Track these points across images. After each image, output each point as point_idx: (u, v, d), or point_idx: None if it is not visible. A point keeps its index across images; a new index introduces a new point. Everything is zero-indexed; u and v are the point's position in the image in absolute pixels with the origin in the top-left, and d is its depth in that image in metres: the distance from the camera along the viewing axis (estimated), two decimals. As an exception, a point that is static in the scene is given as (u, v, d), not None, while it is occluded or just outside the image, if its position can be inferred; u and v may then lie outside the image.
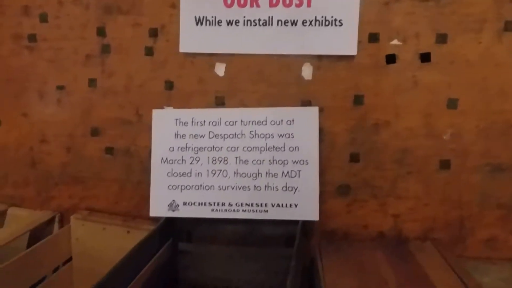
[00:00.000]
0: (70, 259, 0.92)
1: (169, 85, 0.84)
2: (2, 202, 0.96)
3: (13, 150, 0.93)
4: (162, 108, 0.85)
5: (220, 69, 0.82)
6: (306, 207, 0.78)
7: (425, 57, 0.75)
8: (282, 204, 0.79)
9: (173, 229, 0.84)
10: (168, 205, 0.82)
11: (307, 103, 0.81)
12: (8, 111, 0.92)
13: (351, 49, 0.76)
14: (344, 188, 0.82)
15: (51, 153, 0.92)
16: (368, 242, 0.79)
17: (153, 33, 0.83)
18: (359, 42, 0.76)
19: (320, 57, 0.79)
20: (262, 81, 0.81)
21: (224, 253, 0.85)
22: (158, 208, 0.83)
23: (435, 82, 0.76)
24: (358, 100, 0.78)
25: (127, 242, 0.87)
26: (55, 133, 0.91)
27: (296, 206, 0.79)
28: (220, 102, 0.83)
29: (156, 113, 0.84)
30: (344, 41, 0.76)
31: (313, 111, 0.79)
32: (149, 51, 0.83)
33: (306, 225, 0.80)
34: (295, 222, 0.79)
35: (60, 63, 0.88)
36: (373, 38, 0.76)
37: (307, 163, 0.79)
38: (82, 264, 0.91)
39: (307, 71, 0.79)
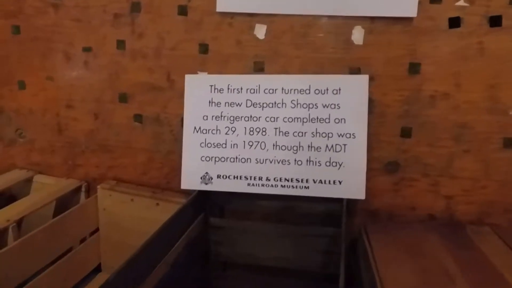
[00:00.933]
0: (97, 229, 0.89)
1: (204, 48, 0.77)
2: (29, 169, 0.92)
3: (39, 115, 0.89)
4: (195, 73, 0.79)
5: (260, 31, 0.75)
6: (351, 185, 0.72)
7: (495, 21, 0.66)
8: (325, 181, 0.73)
9: (205, 203, 0.80)
10: (201, 178, 0.77)
11: (356, 70, 0.73)
12: (33, 74, 0.87)
13: (410, 10, 0.67)
14: (392, 165, 0.75)
15: (77, 119, 0.87)
16: (417, 224, 0.73)
17: (188, -10, 0.76)
18: (419, 2, 0.67)
19: (373, 19, 0.70)
20: (306, 45, 0.74)
21: (257, 230, 0.80)
22: (190, 180, 0.78)
23: (505, 50, 0.67)
24: (413, 68, 0.70)
25: (156, 215, 0.83)
26: (81, 98, 0.86)
27: (340, 183, 0.73)
28: (259, 68, 0.76)
29: (189, 79, 0.78)
30: (402, 1, 0.67)
31: (363, 79, 0.72)
32: (183, 10, 0.76)
33: (348, 204, 0.74)
34: (336, 200, 0.74)
35: (87, 23, 0.82)
36: (436, -3, 0.67)
37: (354, 137, 0.72)
38: (109, 235, 0.88)
39: (357, 35, 0.71)
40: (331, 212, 0.77)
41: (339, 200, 0.74)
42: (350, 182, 0.72)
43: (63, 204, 0.87)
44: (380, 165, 0.75)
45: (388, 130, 0.74)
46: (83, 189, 0.90)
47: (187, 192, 0.79)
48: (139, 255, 0.57)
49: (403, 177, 0.75)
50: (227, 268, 0.85)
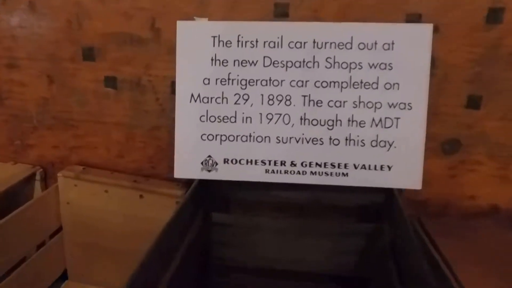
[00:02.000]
0: (59, 229, 0.68)
1: (204, -16, 0.56)
2: (-42, 151, 0.69)
3: (-33, 77, 0.65)
4: (191, 19, 0.57)
5: (284, -41, 0.54)
6: (405, 171, 0.55)
7: None
8: (369, 166, 0.55)
9: (205, 194, 0.61)
10: (202, 163, 0.57)
11: (415, 17, 0.54)
12: (-45, 19, 0.62)
13: None
14: (452, 144, 0.58)
15: (25, 83, 0.64)
16: (483, 218, 0.58)
17: None
18: None
19: None
20: (348, -20, 0.54)
21: (273, 227, 0.62)
22: (187, 166, 0.57)
23: None
24: (494, 15, 0.52)
25: (139, 210, 0.63)
26: (28, 55, 0.63)
27: (389, 168, 0.55)
28: (282, 12, 0.56)
29: (182, 27, 0.56)
30: None
31: (424, 30, 0.53)
32: None
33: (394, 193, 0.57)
34: (376, 188, 0.57)
35: None
36: None
37: (410, 108, 0.54)
38: (75, 235, 0.68)
39: (421, -33, 0.52)
40: (368, 204, 0.60)
41: (379, 189, 0.57)
42: (403, 168, 0.55)
43: (11, 198, 0.65)
44: (435, 144, 0.58)
45: (450, 99, 0.57)
46: (37, 177, 0.68)
47: (176, 180, 0.60)
48: (140, 272, 0.39)
49: (464, 159, 0.59)
50: (233, 273, 0.67)
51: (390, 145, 0.55)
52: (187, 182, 0.61)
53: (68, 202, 0.66)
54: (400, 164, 0.55)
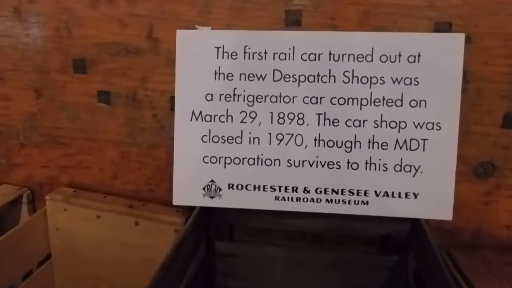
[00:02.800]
0: (47, 257, 0.62)
1: (206, -12, 0.50)
2: None
3: None
4: (193, 28, 0.52)
5: (297, -39, 0.48)
6: (432, 199, 0.49)
7: None
8: (393, 193, 0.49)
9: (208, 221, 0.55)
10: (204, 189, 0.51)
11: (444, 27, 0.48)
12: None
13: None
14: (486, 167, 0.52)
15: (10, 97, 0.59)
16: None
17: None
18: None
19: None
20: (369, -15, 0.48)
21: (283, 257, 0.56)
22: (187, 192, 0.52)
23: None
24: (535, 22, 0.46)
25: (135, 238, 0.57)
26: (14, 66, 0.57)
27: (415, 196, 0.49)
28: (293, 20, 0.50)
29: (183, 36, 0.50)
30: None
31: (455, 40, 0.47)
32: None
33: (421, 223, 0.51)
34: (402, 218, 0.50)
35: None
36: None
37: (439, 128, 0.48)
38: (65, 264, 0.63)
39: (452, -31, 0.46)
40: (390, 234, 0.54)
41: (404, 218, 0.51)
42: (431, 196, 0.49)
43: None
44: (467, 167, 0.52)
45: (484, 117, 0.50)
46: (24, 199, 0.62)
47: (176, 205, 0.54)
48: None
49: (499, 184, 0.52)
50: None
51: (416, 170, 0.49)
52: (188, 208, 0.55)
53: (57, 228, 0.60)
54: (427, 192, 0.49)
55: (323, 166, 0.50)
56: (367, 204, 0.50)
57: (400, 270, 0.53)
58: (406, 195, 0.49)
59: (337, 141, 0.49)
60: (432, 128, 0.48)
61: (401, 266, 0.53)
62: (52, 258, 0.62)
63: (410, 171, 0.49)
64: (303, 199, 0.51)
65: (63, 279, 0.63)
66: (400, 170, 0.49)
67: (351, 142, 0.49)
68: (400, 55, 0.48)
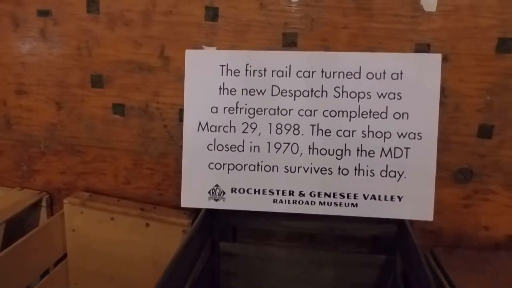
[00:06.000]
0: (63, 257, 0.67)
1: (212, 13, 0.56)
2: (-35, 176, 0.69)
3: (-24, 104, 0.65)
4: (200, 48, 0.57)
5: (293, -10, 0.54)
6: (415, 201, 0.54)
7: None
8: (379, 196, 0.54)
9: (212, 224, 0.60)
10: (209, 192, 0.57)
11: (424, 47, 0.54)
12: (-33, 46, 0.63)
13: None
14: (464, 174, 0.57)
15: (33, 109, 0.64)
16: (499, 251, 0.56)
17: None
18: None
19: (452, -24, 0.51)
20: (357, 11, 0.54)
21: (282, 257, 0.61)
22: (194, 196, 0.57)
23: None
24: (504, 45, 0.52)
25: (145, 238, 0.62)
26: (38, 81, 0.63)
27: (400, 199, 0.54)
28: (290, 42, 0.56)
29: (191, 56, 0.56)
30: None
31: (433, 60, 0.52)
32: (183, -42, 0.54)
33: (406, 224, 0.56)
34: (389, 219, 0.56)
35: (43, -25, 0.58)
36: None
37: (420, 138, 0.53)
38: (80, 263, 0.67)
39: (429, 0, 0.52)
40: (379, 235, 0.59)
41: (391, 220, 0.56)
42: (414, 199, 0.54)
43: (17, 224, 0.65)
44: (447, 173, 0.57)
45: (462, 128, 0.56)
46: (43, 203, 0.68)
47: (184, 208, 0.59)
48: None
49: (477, 188, 0.57)
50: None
51: (400, 175, 0.54)
52: (194, 211, 0.61)
53: (74, 229, 0.65)
54: (410, 195, 0.54)
55: (316, 172, 0.55)
56: (356, 206, 0.55)
57: (388, 269, 0.58)
58: (391, 198, 0.54)
59: (329, 149, 0.55)
60: (414, 138, 0.54)
61: (389, 264, 0.58)
62: (67, 258, 0.67)
63: (394, 176, 0.54)
64: (299, 202, 0.56)
65: (77, 277, 0.68)
66: (386, 176, 0.54)
67: (342, 150, 0.55)
68: (384, 73, 0.53)
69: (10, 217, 0.62)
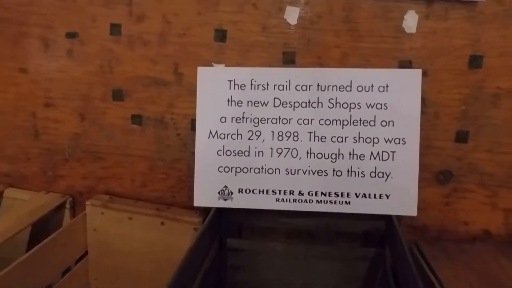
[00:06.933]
0: (84, 254, 0.74)
1: (221, 35, 0.64)
2: (-4, 181, 0.76)
3: (9, 115, 0.72)
4: (210, 65, 0.65)
5: (291, 15, 0.62)
6: (401, 199, 0.61)
7: None
8: (369, 194, 0.61)
9: (221, 221, 0.66)
10: (219, 193, 0.64)
11: (406, 64, 0.62)
12: (2, 65, 0.70)
13: (480, -9, 0.56)
14: (445, 175, 0.64)
15: (59, 120, 0.71)
16: (476, 243, 0.63)
17: (202, -38, 0.61)
18: (485, -18, 0.57)
19: (429, 3, 0.59)
20: (348, 32, 0.61)
21: (283, 252, 0.68)
22: (205, 196, 0.64)
23: None
24: (475, 61, 0.60)
25: (160, 236, 0.69)
26: (65, 95, 0.70)
27: (387, 197, 0.61)
28: (289, 60, 0.64)
29: (202, 72, 0.64)
30: (469, -20, 0.56)
31: (415, 75, 0.60)
32: (196, -12, 0.62)
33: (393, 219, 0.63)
34: (377, 215, 0.63)
35: (71, 2, 0.66)
36: (507, -23, 0.57)
37: (404, 143, 0.61)
38: (100, 260, 0.73)
39: (410, 21, 0.60)
40: (371, 231, 0.66)
41: (381, 216, 0.63)
42: (400, 196, 0.61)
43: (42, 224, 0.71)
44: (430, 175, 0.65)
45: (441, 134, 0.63)
46: (67, 205, 0.74)
47: (195, 208, 0.66)
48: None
49: (456, 188, 0.65)
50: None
51: (387, 176, 0.61)
52: (204, 210, 0.67)
53: (95, 228, 0.71)
54: (396, 193, 0.61)
55: (314, 173, 0.62)
56: (349, 203, 0.62)
57: (379, 261, 0.64)
58: (380, 196, 0.61)
59: (324, 154, 0.62)
60: (399, 143, 0.61)
61: (379, 257, 0.64)
62: (88, 255, 0.73)
63: (382, 177, 0.61)
64: (298, 200, 0.63)
65: (97, 273, 0.74)
66: (375, 176, 0.61)
67: (336, 154, 0.62)
68: (372, 86, 0.61)
69: (39, 218, 0.68)
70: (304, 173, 0.62)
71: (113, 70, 0.68)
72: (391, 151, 0.61)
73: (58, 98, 0.71)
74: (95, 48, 0.67)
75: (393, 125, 0.61)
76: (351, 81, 0.61)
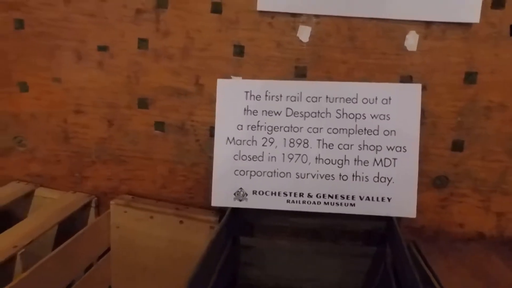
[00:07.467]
0: (106, 251, 0.79)
1: (239, 50, 0.70)
2: (28, 181, 0.82)
3: (42, 121, 0.78)
4: (228, 77, 0.71)
5: (304, 33, 0.68)
6: (401, 202, 0.67)
7: (557, 29, 0.63)
8: (372, 197, 0.67)
9: (235, 221, 0.72)
10: (234, 194, 0.70)
11: (407, 79, 0.68)
12: (37, 75, 0.77)
13: (474, 16, 0.63)
14: (441, 180, 0.70)
15: (88, 126, 0.77)
16: (470, 243, 0.69)
17: (224, -16, 0.68)
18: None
19: (428, 24, 0.65)
20: (354, 49, 0.68)
21: (291, 249, 0.73)
22: (222, 196, 0.70)
23: None
24: (470, 77, 0.66)
25: (179, 234, 0.75)
26: (94, 103, 0.76)
27: (389, 200, 0.67)
28: (301, 73, 0.70)
29: (221, 84, 0.70)
30: (464, 5, 0.63)
31: (415, 89, 0.66)
32: (217, 8, 0.69)
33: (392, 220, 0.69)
34: (378, 216, 0.68)
35: (103, 18, 0.72)
36: (498, 3, 0.63)
37: (405, 150, 0.66)
38: (122, 255, 0.79)
39: (411, 41, 0.66)
40: (373, 230, 0.71)
41: (382, 217, 0.68)
42: (400, 199, 0.67)
43: (69, 221, 0.77)
44: (428, 180, 0.70)
45: (438, 143, 0.69)
46: (93, 204, 0.80)
47: (211, 208, 0.72)
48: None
49: (452, 192, 0.70)
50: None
51: (389, 181, 0.67)
52: (219, 210, 0.73)
53: (118, 226, 0.77)
54: (397, 196, 0.67)
55: (322, 177, 0.68)
56: (354, 205, 0.68)
57: (380, 258, 0.69)
58: (382, 199, 0.67)
59: (332, 160, 0.68)
60: (400, 151, 0.67)
61: (380, 254, 0.69)
62: (111, 252, 0.78)
63: (385, 181, 0.67)
64: (307, 202, 0.69)
65: (118, 269, 0.79)
66: (378, 181, 0.67)
67: (342, 160, 0.68)
68: (376, 99, 0.67)
69: (67, 216, 0.74)
70: (313, 177, 0.68)
71: (139, 80, 0.74)
72: (392, 158, 0.67)
73: (87, 106, 0.77)
74: (124, 61, 0.74)
75: (395, 135, 0.67)
76: (357, 94, 0.67)
